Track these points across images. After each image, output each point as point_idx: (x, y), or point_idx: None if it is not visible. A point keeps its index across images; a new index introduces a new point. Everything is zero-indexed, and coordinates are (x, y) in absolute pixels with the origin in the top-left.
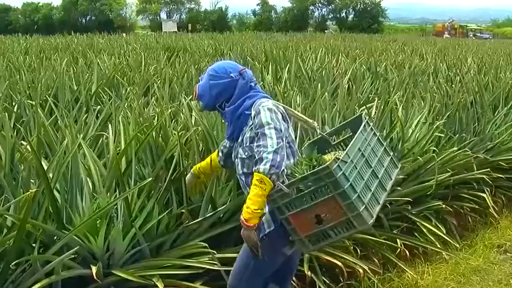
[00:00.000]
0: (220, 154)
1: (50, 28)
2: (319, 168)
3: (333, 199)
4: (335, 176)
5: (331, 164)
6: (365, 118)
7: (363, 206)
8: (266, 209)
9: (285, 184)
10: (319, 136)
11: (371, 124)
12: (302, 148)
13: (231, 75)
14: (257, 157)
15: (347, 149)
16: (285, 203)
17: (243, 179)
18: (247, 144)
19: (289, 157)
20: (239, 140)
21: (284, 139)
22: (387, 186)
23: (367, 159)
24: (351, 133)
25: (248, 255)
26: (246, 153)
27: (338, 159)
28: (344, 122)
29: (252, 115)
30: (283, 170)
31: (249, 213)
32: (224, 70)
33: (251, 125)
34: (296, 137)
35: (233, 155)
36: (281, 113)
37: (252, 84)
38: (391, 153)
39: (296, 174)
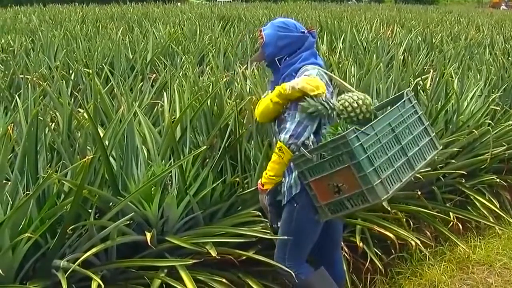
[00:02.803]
0: None
1: None
2: (336, 136)
3: (350, 169)
4: (351, 146)
5: (348, 134)
6: (407, 95)
7: (378, 181)
8: (291, 176)
9: (308, 150)
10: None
11: (414, 101)
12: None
13: (301, 30)
14: (282, 125)
15: (373, 122)
16: (307, 168)
17: (275, 138)
18: (287, 106)
19: (327, 125)
20: None
21: None
22: (416, 166)
23: (398, 135)
24: None
25: (284, 229)
26: (284, 115)
27: (358, 129)
28: (390, 98)
29: None
30: (304, 140)
31: (266, 178)
32: (293, 25)
33: None
34: None
35: None
36: (325, 82)
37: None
38: (433, 134)
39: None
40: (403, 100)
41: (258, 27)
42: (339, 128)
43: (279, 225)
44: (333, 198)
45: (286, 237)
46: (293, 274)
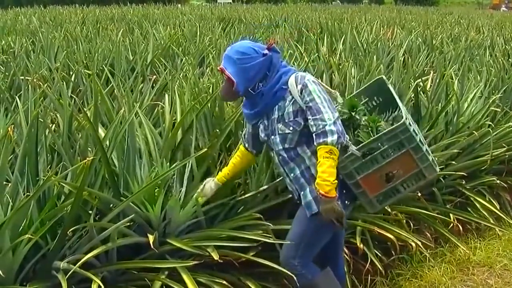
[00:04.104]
0: (247, 144)
1: None
2: (395, 125)
3: (407, 153)
4: (410, 131)
5: (404, 122)
6: (387, 80)
7: (431, 157)
8: (307, 191)
9: (357, 148)
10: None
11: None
12: None
13: (263, 52)
14: (317, 131)
15: (402, 108)
16: (356, 167)
17: (284, 154)
18: (291, 119)
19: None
20: (275, 116)
21: None
22: (423, 140)
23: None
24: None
25: (299, 229)
26: (291, 128)
27: (406, 116)
28: (361, 89)
29: (298, 89)
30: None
31: (329, 185)
32: (252, 49)
33: (292, 99)
34: None
35: (263, 133)
36: (322, 88)
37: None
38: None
39: (360, 138)
40: (390, 85)
41: (258, 29)
42: (375, 122)
43: None
44: (385, 188)
45: (300, 235)
46: (298, 274)
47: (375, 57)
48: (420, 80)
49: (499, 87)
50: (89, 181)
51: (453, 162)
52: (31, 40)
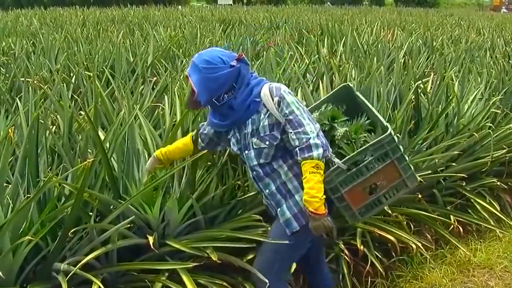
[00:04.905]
0: (201, 141)
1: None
2: (382, 136)
3: (391, 164)
4: (395, 141)
5: (391, 132)
6: (353, 87)
7: (412, 167)
8: (284, 207)
9: (343, 161)
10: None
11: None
12: None
13: (230, 63)
14: (300, 145)
15: (381, 118)
16: (340, 180)
17: (259, 170)
18: (267, 133)
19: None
20: (249, 130)
21: None
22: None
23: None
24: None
25: (278, 244)
26: (267, 142)
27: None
28: (325, 97)
29: (275, 102)
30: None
31: (318, 201)
32: (219, 59)
33: (267, 112)
34: None
35: (235, 147)
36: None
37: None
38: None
39: (343, 150)
40: (357, 93)
41: (258, 30)
42: (357, 131)
43: None
44: (368, 199)
45: (275, 249)
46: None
47: (375, 58)
48: (420, 81)
49: (500, 88)
50: (89, 183)
51: (454, 164)
52: (31, 41)
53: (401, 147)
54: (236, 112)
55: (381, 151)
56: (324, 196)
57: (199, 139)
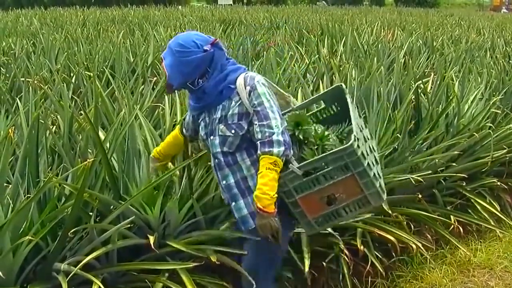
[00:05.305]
0: (185, 130)
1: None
2: (342, 147)
3: (351, 178)
4: (357, 154)
5: (352, 144)
6: (345, 89)
7: (378, 184)
8: (240, 203)
9: (298, 166)
10: (289, 110)
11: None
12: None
13: (204, 48)
14: (262, 139)
15: (354, 126)
16: (295, 186)
17: (221, 158)
18: (235, 121)
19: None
20: (217, 116)
21: None
22: (378, 159)
23: (364, 133)
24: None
25: (259, 247)
26: (233, 131)
27: (355, 137)
28: (317, 95)
29: (247, 91)
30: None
31: (268, 199)
32: (193, 43)
33: (239, 101)
34: None
35: (203, 131)
36: (270, 92)
37: (226, 55)
38: (367, 125)
39: (304, 155)
40: (347, 96)
41: (258, 30)
42: (323, 138)
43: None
44: (326, 210)
45: (258, 254)
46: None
47: (375, 58)
48: (420, 82)
49: (500, 88)
50: (90, 183)
51: (454, 164)
52: (31, 41)
53: (365, 162)
54: (208, 96)
55: (341, 163)
56: (276, 195)
57: (183, 128)
